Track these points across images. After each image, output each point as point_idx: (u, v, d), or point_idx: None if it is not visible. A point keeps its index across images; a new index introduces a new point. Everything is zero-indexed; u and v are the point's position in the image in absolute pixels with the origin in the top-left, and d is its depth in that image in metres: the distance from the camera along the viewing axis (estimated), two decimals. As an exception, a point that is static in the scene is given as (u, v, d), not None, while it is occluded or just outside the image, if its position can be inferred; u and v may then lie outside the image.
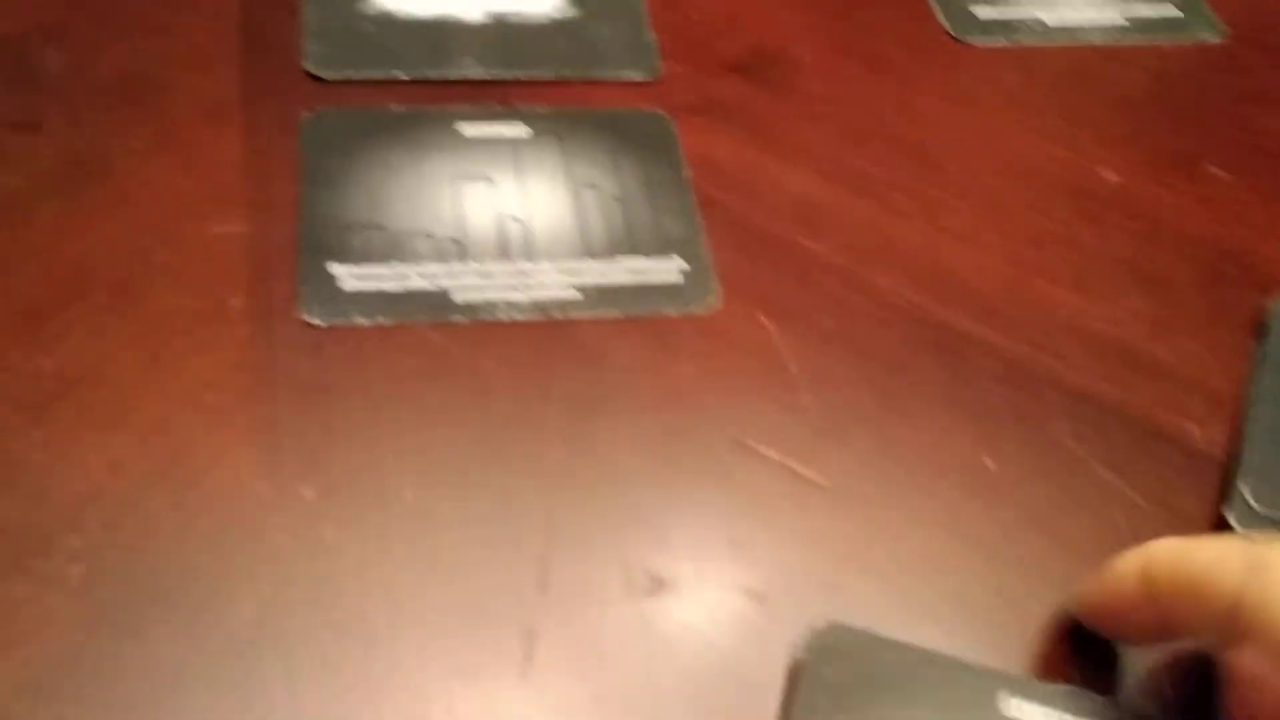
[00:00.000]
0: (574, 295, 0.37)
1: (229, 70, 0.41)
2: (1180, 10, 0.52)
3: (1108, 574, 0.30)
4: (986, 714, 0.27)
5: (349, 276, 0.36)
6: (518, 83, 0.43)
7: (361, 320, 0.35)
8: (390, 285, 0.36)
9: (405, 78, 0.42)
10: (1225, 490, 0.35)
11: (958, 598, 0.32)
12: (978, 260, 0.40)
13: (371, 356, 0.34)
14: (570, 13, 0.46)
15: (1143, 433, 0.36)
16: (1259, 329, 0.39)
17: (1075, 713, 0.28)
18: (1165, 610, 0.28)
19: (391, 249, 0.37)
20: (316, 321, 0.35)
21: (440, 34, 0.44)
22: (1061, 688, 0.29)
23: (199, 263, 0.36)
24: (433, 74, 0.43)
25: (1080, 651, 0.31)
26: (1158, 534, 0.30)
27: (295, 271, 0.36)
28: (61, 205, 0.37)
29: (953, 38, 0.48)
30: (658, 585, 0.31)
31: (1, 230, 0.36)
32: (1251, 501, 0.34)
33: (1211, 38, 0.51)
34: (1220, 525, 0.34)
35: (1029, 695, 0.28)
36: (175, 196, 0.37)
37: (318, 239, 0.37)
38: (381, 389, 0.34)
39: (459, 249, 0.37)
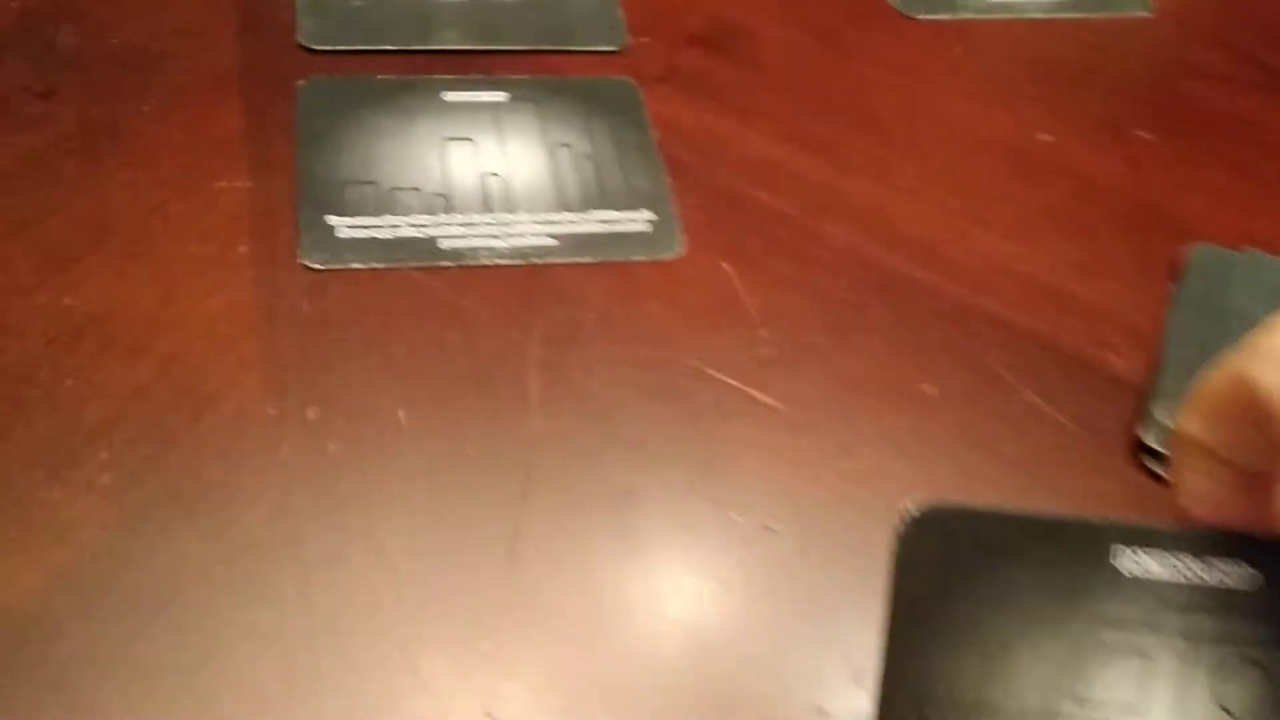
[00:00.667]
0: (550, 243, 0.40)
1: (228, 44, 0.45)
2: (1113, -12, 0.56)
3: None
4: (1102, 571, 0.24)
5: (344, 226, 0.39)
6: (497, 54, 0.47)
7: (356, 264, 0.38)
8: (382, 234, 0.39)
9: (393, 49, 0.46)
10: (1142, 413, 0.38)
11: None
12: (921, 212, 0.44)
13: (366, 296, 0.38)
14: (545, -10, 0.50)
15: (1069, 363, 0.40)
16: (1176, 272, 0.43)
17: (1198, 554, 0.23)
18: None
19: (383, 203, 0.40)
20: (315, 265, 0.38)
21: (425, 9, 0.48)
22: (1181, 531, 0.24)
23: (207, 214, 0.39)
24: (418, 46, 0.46)
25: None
26: (1081, 454, 0.33)
27: (295, 222, 0.39)
28: (79, 164, 0.40)
29: (900, 13, 0.52)
30: (630, 494, 0.34)
31: (27, 186, 0.39)
32: (1165, 422, 0.38)
33: (1140, 12, 0.55)
34: (1137, 446, 0.38)
35: (1146, 544, 0.24)
36: (183, 156, 0.41)
37: (315, 194, 0.40)
38: (376, 324, 0.37)
39: (445, 202, 0.41)
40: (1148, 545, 0.24)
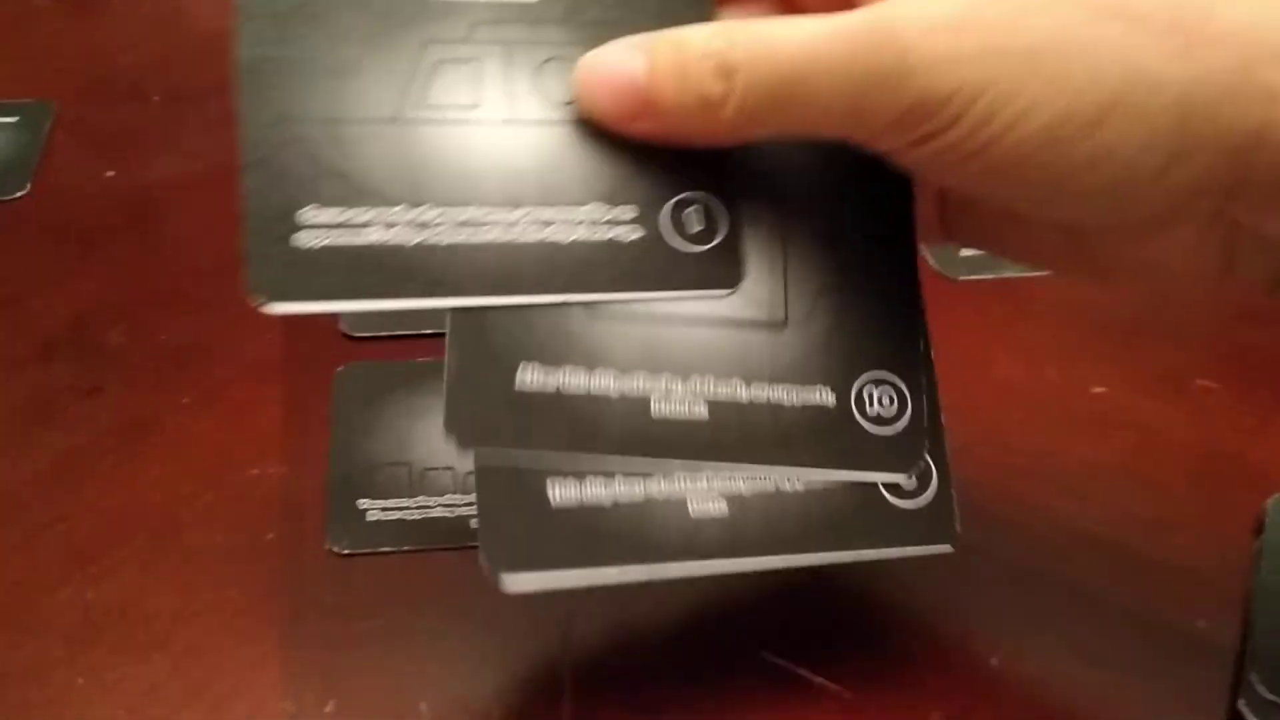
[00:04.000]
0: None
1: (272, 334, 0.45)
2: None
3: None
4: (420, 3, 0.28)
5: (375, 509, 0.38)
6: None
7: (386, 548, 0.37)
8: (413, 515, 0.38)
9: (434, 333, 0.46)
10: (1236, 681, 0.35)
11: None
12: (977, 476, 0.42)
13: (393, 581, 0.36)
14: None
15: (1151, 630, 0.37)
16: (1258, 525, 0.40)
17: None
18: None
19: (416, 484, 0.39)
20: (343, 551, 0.37)
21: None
22: None
23: (236, 502, 0.39)
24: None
25: None
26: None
27: (325, 507, 0.38)
28: (116, 460, 0.40)
29: (941, 275, 0.51)
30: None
31: (63, 484, 0.39)
32: (1263, 691, 0.34)
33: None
34: (1235, 716, 0.34)
35: None
36: (218, 447, 0.41)
37: (346, 478, 0.39)
38: (401, 612, 0.35)
39: (479, 482, 0.40)
40: None
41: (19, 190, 0.52)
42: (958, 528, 0.31)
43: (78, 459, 0.40)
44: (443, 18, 0.28)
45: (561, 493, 0.27)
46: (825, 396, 0.29)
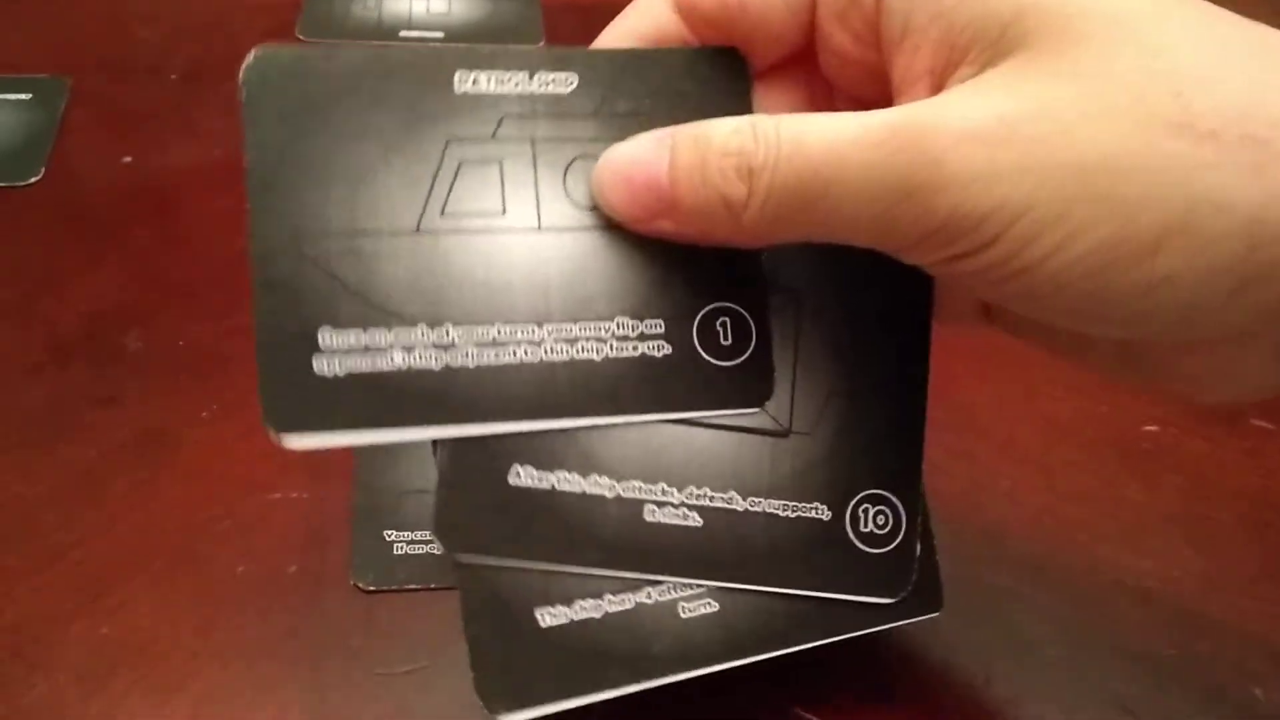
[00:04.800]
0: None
1: (296, 344, 0.44)
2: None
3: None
4: (447, 95, 0.26)
5: (402, 541, 0.37)
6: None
7: (412, 584, 0.36)
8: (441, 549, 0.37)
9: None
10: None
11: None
12: (1021, 519, 0.41)
13: (418, 621, 0.35)
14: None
15: (1208, 697, 0.35)
16: (1317, 584, 0.38)
17: (529, 70, 0.26)
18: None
19: (444, 514, 0.38)
20: (368, 587, 0.36)
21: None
22: (511, 49, 0.27)
23: (258, 530, 0.37)
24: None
25: None
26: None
27: (350, 536, 0.37)
28: (132, 477, 0.38)
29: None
30: None
31: (76, 505, 0.37)
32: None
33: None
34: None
35: (482, 65, 0.26)
36: (238, 466, 0.39)
37: (372, 506, 0.38)
38: (426, 655, 0.34)
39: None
40: (484, 67, 0.26)
41: (33, 176, 0.50)
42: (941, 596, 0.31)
43: (91, 475, 0.38)
44: (469, 112, 0.26)
45: (551, 617, 0.26)
46: (820, 512, 0.28)
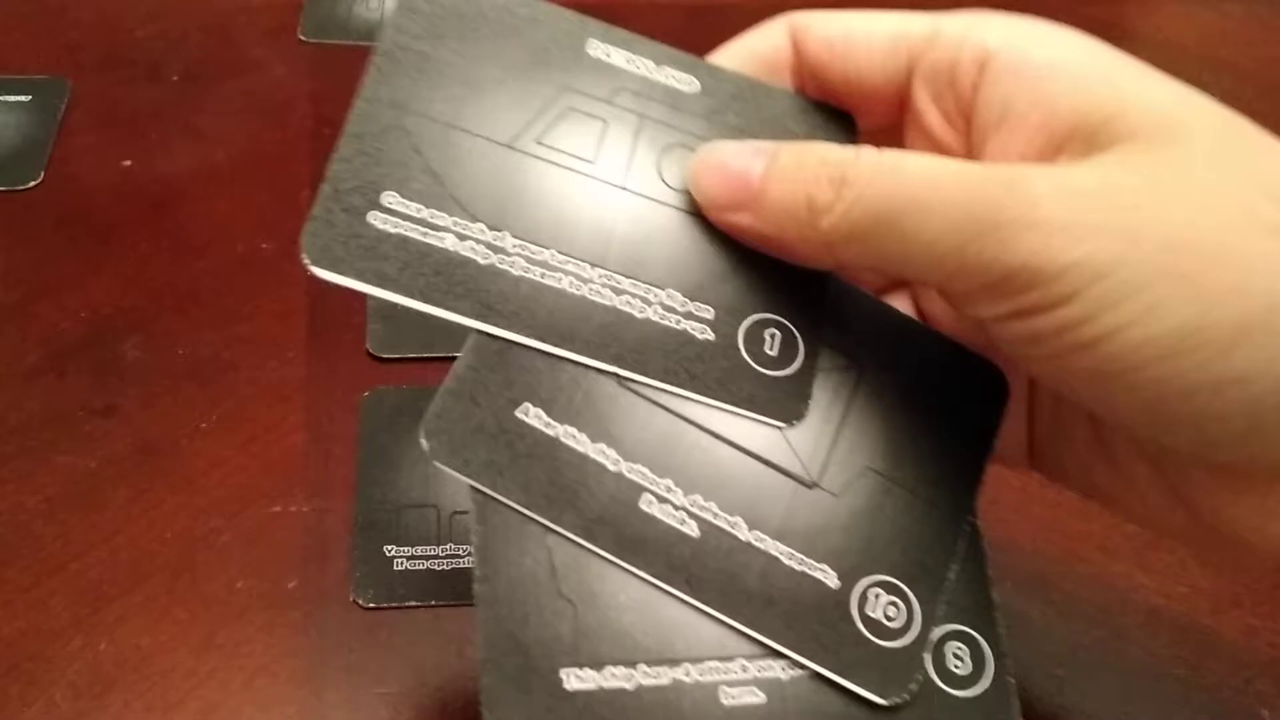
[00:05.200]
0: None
1: (297, 353, 0.43)
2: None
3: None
4: (576, 54, 0.28)
5: (402, 557, 0.37)
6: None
7: (412, 601, 0.35)
8: (441, 565, 0.36)
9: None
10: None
11: None
12: (1031, 536, 0.40)
13: (419, 643, 0.35)
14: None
15: (1211, 715, 0.35)
16: (1327, 604, 0.38)
17: (658, 61, 0.28)
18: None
19: (444, 529, 0.38)
20: (368, 604, 0.35)
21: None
22: (649, 39, 0.29)
23: (258, 543, 0.37)
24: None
25: None
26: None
27: (350, 551, 0.37)
28: (130, 488, 0.38)
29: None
30: None
31: (74, 515, 0.37)
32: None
33: None
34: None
35: (617, 42, 0.28)
36: (237, 478, 0.39)
37: (372, 520, 0.38)
38: (428, 678, 0.34)
39: (511, 527, 0.38)
40: (618, 44, 0.28)
41: (32, 180, 0.50)
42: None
43: (89, 486, 0.38)
44: (592, 73, 0.28)
45: (578, 681, 0.23)
46: (827, 576, 0.25)
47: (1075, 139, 0.23)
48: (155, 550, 0.36)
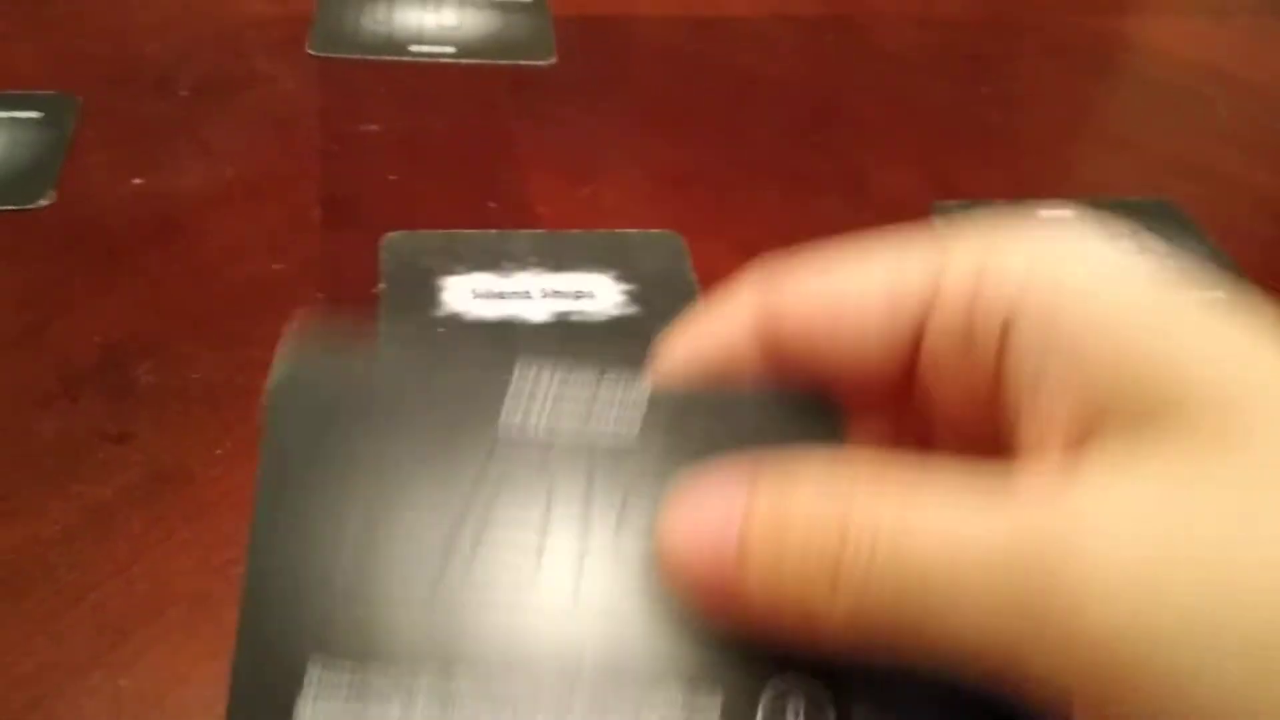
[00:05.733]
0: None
1: (310, 377, 0.43)
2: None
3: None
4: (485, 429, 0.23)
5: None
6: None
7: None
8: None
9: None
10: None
11: None
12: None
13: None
14: (631, 310, 0.48)
15: None
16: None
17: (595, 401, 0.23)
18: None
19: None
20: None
21: (506, 333, 0.47)
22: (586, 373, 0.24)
23: (274, 575, 0.37)
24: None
25: None
26: None
27: (366, 582, 0.37)
28: (145, 516, 0.38)
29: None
30: None
31: (90, 545, 0.37)
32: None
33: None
34: None
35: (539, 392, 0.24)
36: (251, 507, 0.39)
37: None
38: None
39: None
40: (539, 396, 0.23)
41: (43, 198, 0.50)
42: None
43: (105, 516, 0.38)
44: (517, 445, 0.23)
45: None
46: None
47: (1122, 413, 0.19)
48: (172, 581, 0.37)
